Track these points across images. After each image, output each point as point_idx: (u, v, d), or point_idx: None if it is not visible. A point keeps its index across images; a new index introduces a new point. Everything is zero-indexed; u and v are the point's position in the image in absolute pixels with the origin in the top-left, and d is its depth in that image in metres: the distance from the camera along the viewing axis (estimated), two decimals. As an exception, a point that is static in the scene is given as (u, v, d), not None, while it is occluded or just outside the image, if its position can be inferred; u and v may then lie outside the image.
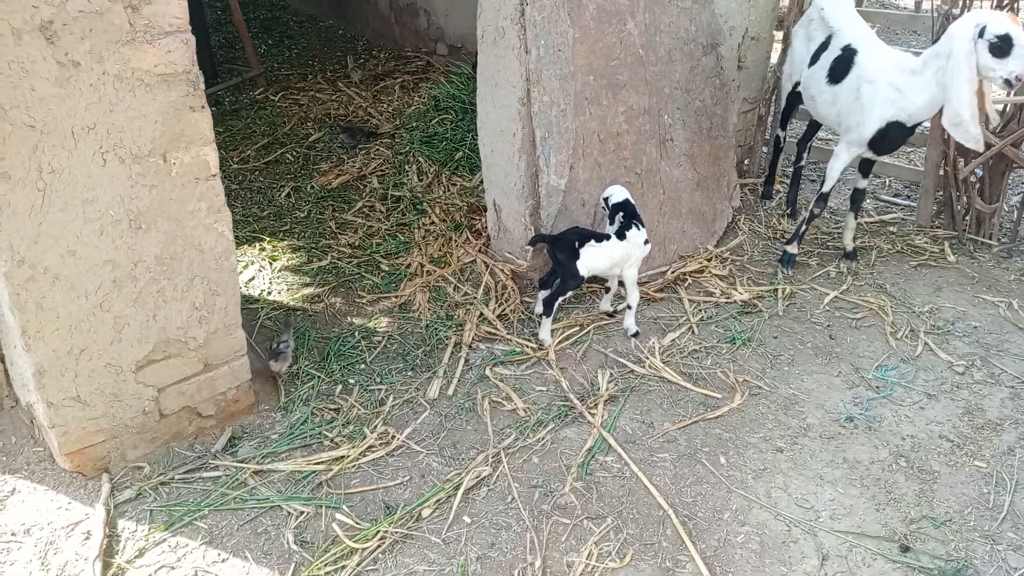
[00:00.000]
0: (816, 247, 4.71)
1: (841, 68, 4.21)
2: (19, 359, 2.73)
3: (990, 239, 4.73)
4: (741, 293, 4.18)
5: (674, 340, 3.82)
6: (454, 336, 3.79)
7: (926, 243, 4.76)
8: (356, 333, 3.82)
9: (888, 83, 3.96)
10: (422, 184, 5.13)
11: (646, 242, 3.73)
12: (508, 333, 3.83)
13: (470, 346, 3.73)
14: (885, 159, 5.89)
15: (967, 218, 4.77)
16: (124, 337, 2.74)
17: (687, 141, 4.34)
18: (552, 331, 3.77)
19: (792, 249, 4.46)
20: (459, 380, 3.53)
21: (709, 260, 4.44)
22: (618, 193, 3.79)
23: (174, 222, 2.71)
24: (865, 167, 4.44)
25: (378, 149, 5.68)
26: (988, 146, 4.30)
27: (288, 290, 4.17)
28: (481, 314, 3.93)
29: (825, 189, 4.33)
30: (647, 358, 3.68)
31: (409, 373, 3.58)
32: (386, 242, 4.57)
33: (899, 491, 3.00)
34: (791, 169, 5.15)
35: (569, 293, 3.70)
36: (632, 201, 3.78)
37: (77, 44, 2.30)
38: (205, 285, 2.87)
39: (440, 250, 4.45)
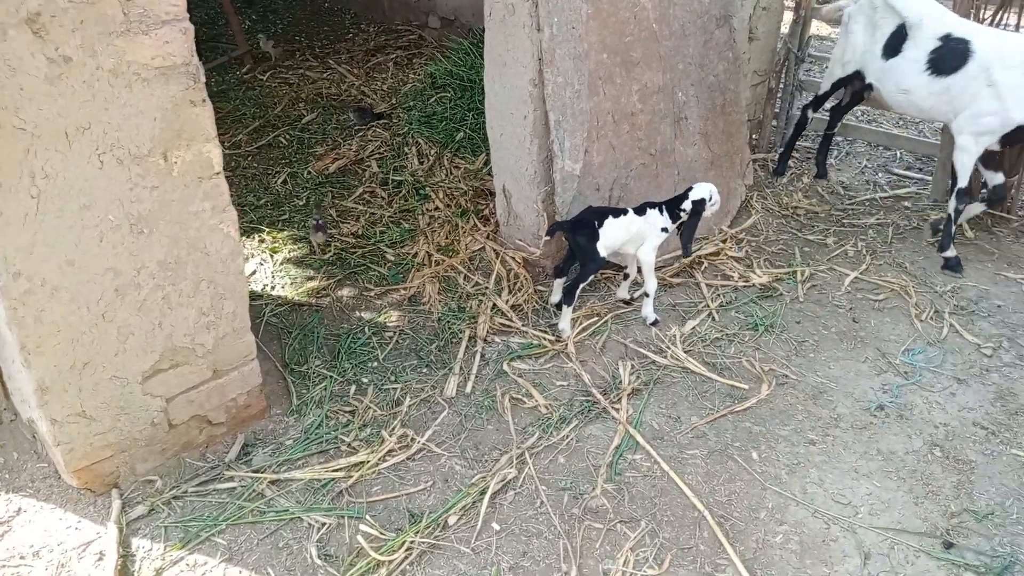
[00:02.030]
0: (832, 225, 4.59)
1: (951, 59, 3.99)
2: (18, 375, 2.57)
3: (1008, 213, 4.62)
4: (759, 276, 4.06)
5: (694, 328, 3.71)
6: (468, 329, 3.66)
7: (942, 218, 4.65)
8: (366, 329, 3.67)
9: None
10: (423, 167, 4.95)
11: (664, 229, 3.61)
12: (523, 325, 3.70)
13: (485, 340, 3.60)
14: (896, 131, 5.80)
15: (984, 191, 4.66)
16: (129, 348, 2.59)
17: (701, 119, 4.18)
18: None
19: (951, 252, 4.18)
20: (476, 376, 3.40)
21: (724, 241, 4.31)
22: (700, 190, 3.63)
23: (177, 224, 2.54)
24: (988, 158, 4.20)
25: (375, 130, 5.47)
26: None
27: (292, 284, 4.01)
28: (494, 305, 3.79)
29: (962, 184, 4.09)
30: (669, 348, 3.56)
31: (424, 370, 3.45)
32: (390, 230, 4.40)
33: (936, 483, 2.93)
34: (820, 136, 5.10)
35: (591, 277, 3.57)
36: (708, 200, 3.64)
37: (68, 37, 2.11)
38: (212, 289, 2.72)
39: (447, 238, 4.29)
